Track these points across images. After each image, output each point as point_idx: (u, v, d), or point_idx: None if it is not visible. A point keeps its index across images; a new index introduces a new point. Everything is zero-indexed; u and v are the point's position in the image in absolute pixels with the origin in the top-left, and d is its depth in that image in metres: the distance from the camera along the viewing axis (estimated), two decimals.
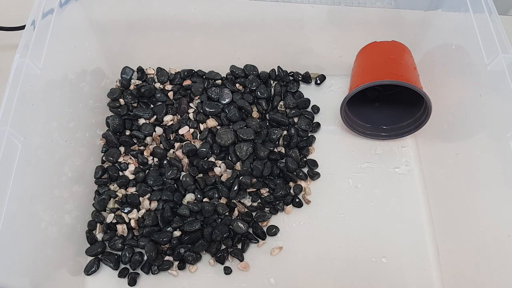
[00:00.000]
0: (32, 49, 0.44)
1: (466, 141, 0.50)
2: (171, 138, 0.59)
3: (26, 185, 0.42)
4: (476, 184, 0.48)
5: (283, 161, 0.57)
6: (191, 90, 0.62)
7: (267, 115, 0.61)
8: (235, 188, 0.54)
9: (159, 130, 0.59)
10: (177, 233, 0.52)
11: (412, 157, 0.59)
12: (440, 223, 0.53)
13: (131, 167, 0.56)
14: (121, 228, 0.52)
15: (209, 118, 0.59)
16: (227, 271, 0.51)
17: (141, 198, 0.54)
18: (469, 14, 0.48)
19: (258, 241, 0.53)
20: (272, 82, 0.64)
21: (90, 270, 0.50)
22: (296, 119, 0.61)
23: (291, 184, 0.57)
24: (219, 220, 0.53)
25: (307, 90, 0.64)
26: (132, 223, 0.52)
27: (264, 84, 0.62)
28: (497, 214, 0.44)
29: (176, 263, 0.51)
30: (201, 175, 0.56)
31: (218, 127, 0.59)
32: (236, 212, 0.54)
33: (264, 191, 0.55)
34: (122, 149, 0.58)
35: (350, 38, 0.58)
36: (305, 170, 0.58)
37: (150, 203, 0.54)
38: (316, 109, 0.63)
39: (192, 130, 0.59)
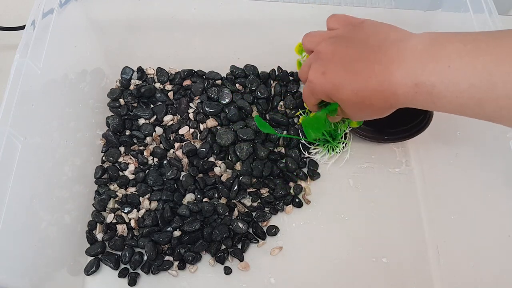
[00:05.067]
0: (32, 49, 0.44)
1: (466, 141, 0.50)
2: (171, 138, 0.59)
3: (26, 185, 0.42)
4: (476, 184, 0.48)
5: (283, 161, 0.57)
6: (191, 90, 0.62)
7: (267, 115, 0.61)
8: (235, 188, 0.54)
9: (159, 130, 0.59)
10: (177, 233, 0.52)
11: (412, 157, 0.59)
12: (440, 223, 0.53)
13: (131, 167, 0.56)
14: (121, 228, 0.52)
15: (209, 118, 0.59)
16: (227, 271, 0.51)
17: (141, 198, 0.54)
18: (469, 14, 0.48)
19: (258, 241, 0.53)
20: (272, 82, 0.64)
21: (90, 270, 0.50)
22: (296, 119, 0.61)
23: (291, 184, 0.57)
24: (219, 220, 0.53)
25: None
26: (132, 223, 0.52)
27: (264, 84, 0.62)
28: (497, 214, 0.44)
29: (176, 263, 0.51)
30: (201, 175, 0.56)
31: (218, 127, 0.59)
32: (236, 212, 0.54)
33: (264, 191, 0.55)
34: (122, 149, 0.58)
35: None
36: (305, 170, 0.58)
37: (150, 203, 0.54)
38: None
39: (192, 130, 0.59)
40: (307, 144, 0.58)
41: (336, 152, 0.57)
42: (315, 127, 0.49)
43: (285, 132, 0.59)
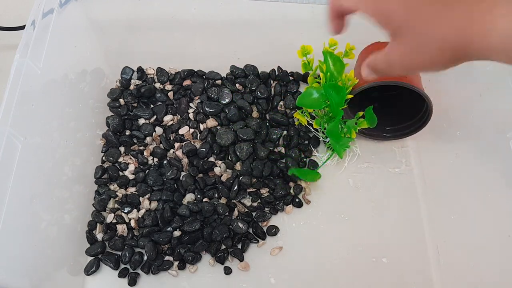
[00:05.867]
0: (32, 49, 0.44)
1: (466, 141, 0.50)
2: (171, 138, 0.59)
3: (26, 185, 0.42)
4: (476, 184, 0.48)
5: (283, 161, 0.57)
6: (191, 90, 0.62)
7: (267, 115, 0.61)
8: (235, 188, 0.54)
9: (159, 130, 0.59)
10: (177, 233, 0.52)
11: (412, 157, 0.59)
12: (440, 223, 0.53)
13: (131, 167, 0.56)
14: (121, 228, 0.52)
15: (209, 118, 0.59)
16: (227, 271, 0.51)
17: (141, 198, 0.54)
18: None
19: (258, 241, 0.53)
20: (272, 82, 0.64)
21: (90, 270, 0.50)
22: (296, 119, 0.61)
23: (291, 184, 0.57)
24: (219, 220, 0.53)
25: None
26: (132, 223, 0.52)
27: (264, 84, 0.62)
28: (497, 214, 0.44)
29: (176, 263, 0.51)
30: (201, 175, 0.56)
31: (218, 127, 0.59)
32: (236, 212, 0.54)
33: (264, 191, 0.55)
34: (122, 149, 0.58)
35: (350, 38, 0.58)
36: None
37: (150, 203, 0.54)
38: None
39: (192, 130, 0.59)
40: (318, 154, 0.59)
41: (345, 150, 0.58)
42: (340, 143, 0.52)
43: (285, 132, 0.59)
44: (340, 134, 0.52)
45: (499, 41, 0.26)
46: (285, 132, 0.60)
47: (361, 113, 0.54)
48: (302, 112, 0.58)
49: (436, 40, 0.28)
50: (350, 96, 0.53)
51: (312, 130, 0.59)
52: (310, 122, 0.58)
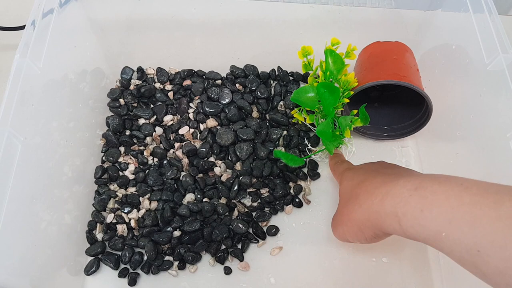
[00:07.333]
0: (32, 49, 0.44)
1: (466, 141, 0.50)
2: (171, 138, 0.59)
3: (26, 185, 0.42)
4: None
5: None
6: (191, 90, 0.62)
7: (267, 115, 0.61)
8: (235, 188, 0.54)
9: (159, 130, 0.59)
10: (177, 233, 0.52)
11: (412, 157, 0.59)
12: None
13: (131, 167, 0.56)
14: (121, 228, 0.52)
15: (209, 118, 0.59)
16: (227, 271, 0.51)
17: (141, 198, 0.54)
18: (469, 14, 0.48)
19: (258, 241, 0.53)
20: (272, 82, 0.64)
21: (90, 270, 0.50)
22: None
23: (291, 184, 0.57)
24: (219, 220, 0.53)
25: None
26: (132, 223, 0.52)
27: (264, 84, 0.62)
28: None
29: (176, 263, 0.51)
30: (201, 175, 0.56)
31: (218, 127, 0.59)
32: (236, 212, 0.54)
33: (264, 191, 0.55)
34: (122, 149, 0.58)
35: (350, 38, 0.58)
36: (305, 170, 0.58)
37: (150, 203, 0.54)
38: None
39: (192, 130, 0.59)
40: (312, 148, 0.59)
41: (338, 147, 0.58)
42: (331, 140, 0.52)
43: (285, 132, 0.59)
44: (331, 134, 0.52)
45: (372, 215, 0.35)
46: (285, 132, 0.60)
47: (355, 111, 0.54)
48: (299, 110, 0.58)
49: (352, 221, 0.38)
50: (346, 100, 0.53)
51: (309, 125, 0.59)
52: (306, 118, 0.58)
